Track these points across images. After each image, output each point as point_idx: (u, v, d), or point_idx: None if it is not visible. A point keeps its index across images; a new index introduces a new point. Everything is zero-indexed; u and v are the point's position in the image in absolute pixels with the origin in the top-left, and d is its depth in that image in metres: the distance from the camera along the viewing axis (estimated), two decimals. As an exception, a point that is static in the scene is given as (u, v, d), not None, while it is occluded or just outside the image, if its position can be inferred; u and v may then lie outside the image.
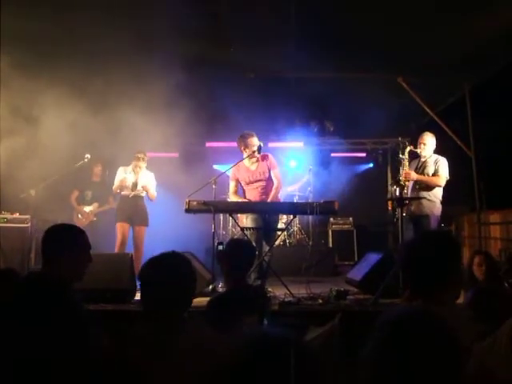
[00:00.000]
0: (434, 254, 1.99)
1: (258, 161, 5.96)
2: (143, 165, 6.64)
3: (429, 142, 5.86)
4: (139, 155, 6.61)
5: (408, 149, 5.84)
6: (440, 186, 5.72)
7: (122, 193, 6.59)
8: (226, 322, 2.66)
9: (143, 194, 6.63)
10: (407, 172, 5.66)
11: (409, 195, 5.63)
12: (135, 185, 6.53)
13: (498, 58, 6.34)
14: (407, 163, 5.78)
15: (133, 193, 6.53)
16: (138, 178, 6.58)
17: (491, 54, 6.16)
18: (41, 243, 2.40)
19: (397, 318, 1.23)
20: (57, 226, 2.55)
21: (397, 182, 5.60)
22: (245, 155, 5.86)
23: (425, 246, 2.09)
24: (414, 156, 5.96)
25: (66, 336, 1.96)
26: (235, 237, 8.83)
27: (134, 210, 6.53)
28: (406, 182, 5.62)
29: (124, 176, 6.56)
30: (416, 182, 5.73)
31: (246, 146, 5.83)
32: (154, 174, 6.86)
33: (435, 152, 5.91)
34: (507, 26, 5.43)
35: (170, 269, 2.04)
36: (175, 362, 1.84)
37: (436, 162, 5.78)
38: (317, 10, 5.68)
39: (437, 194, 5.73)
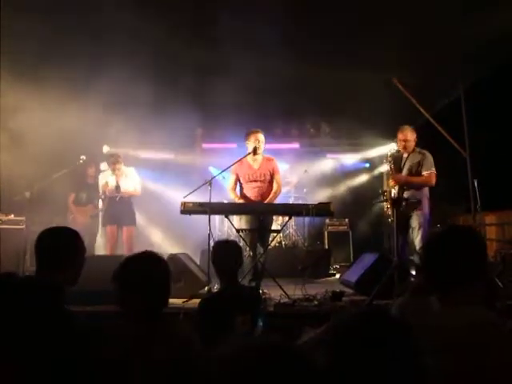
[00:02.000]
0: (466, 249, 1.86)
1: (261, 160, 5.97)
2: (119, 166, 6.70)
3: (410, 137, 5.59)
4: (111, 159, 6.76)
5: (390, 152, 5.76)
6: (432, 185, 5.53)
7: (109, 196, 6.69)
8: (217, 322, 2.66)
9: (130, 189, 6.71)
10: (395, 176, 5.50)
11: (397, 195, 5.44)
12: (118, 187, 6.60)
13: (494, 59, 6.35)
14: (392, 167, 5.58)
15: (119, 195, 6.59)
16: (119, 179, 6.65)
17: (486, 55, 6.17)
18: (34, 248, 2.35)
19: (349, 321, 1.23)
20: (49, 229, 2.48)
21: (386, 193, 5.50)
22: (250, 148, 5.89)
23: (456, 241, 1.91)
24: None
25: (54, 342, 1.96)
26: (230, 238, 8.84)
27: (121, 212, 6.63)
28: (396, 186, 5.46)
29: (106, 181, 6.69)
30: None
31: (258, 140, 5.89)
32: (133, 168, 6.99)
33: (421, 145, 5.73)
34: (502, 27, 5.43)
35: (145, 269, 2.09)
36: (154, 361, 1.87)
37: (422, 159, 5.53)
38: (314, 11, 5.69)
39: (425, 191, 5.57)
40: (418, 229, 5.40)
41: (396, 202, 5.22)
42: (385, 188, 5.69)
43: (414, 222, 5.45)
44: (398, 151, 5.75)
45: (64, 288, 2.28)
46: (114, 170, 6.69)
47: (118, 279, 2.06)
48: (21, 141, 6.78)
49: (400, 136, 5.64)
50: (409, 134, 5.60)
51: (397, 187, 5.47)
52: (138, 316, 2.04)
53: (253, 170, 5.95)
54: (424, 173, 5.50)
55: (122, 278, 2.06)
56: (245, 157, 5.94)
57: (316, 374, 0.97)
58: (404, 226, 5.43)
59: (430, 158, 5.56)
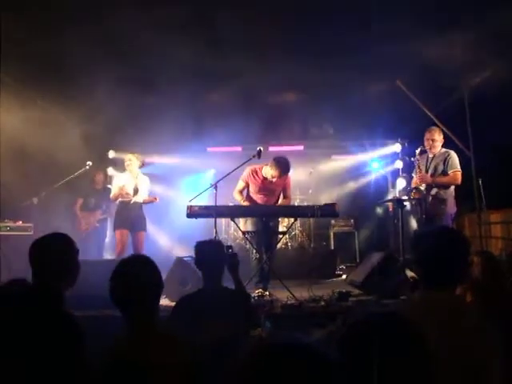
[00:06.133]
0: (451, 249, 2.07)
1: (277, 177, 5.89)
2: (135, 162, 6.57)
3: (437, 137, 5.73)
4: (129, 155, 6.60)
5: (418, 149, 5.77)
6: (458, 183, 5.61)
7: (121, 199, 6.52)
8: (187, 322, 2.68)
9: (141, 200, 6.59)
10: (421, 175, 5.60)
11: (424, 193, 5.57)
12: (136, 190, 6.48)
13: (497, 59, 6.35)
14: (420, 165, 5.68)
15: (133, 199, 6.47)
16: (138, 183, 6.55)
17: (490, 54, 6.17)
18: (28, 256, 2.40)
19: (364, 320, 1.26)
20: (43, 237, 2.54)
21: (414, 189, 5.55)
22: (266, 173, 5.80)
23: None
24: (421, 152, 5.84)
25: (58, 349, 2.01)
26: (236, 241, 8.88)
27: (134, 216, 6.44)
28: (422, 185, 5.56)
29: (123, 184, 6.49)
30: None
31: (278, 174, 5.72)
32: (148, 178, 6.82)
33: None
34: (505, 28, 5.45)
35: (135, 272, 2.20)
36: (151, 364, 1.92)
37: (447, 159, 5.63)
38: (315, 13, 5.73)
39: (450, 190, 5.65)
40: None
41: (400, 203, 5.27)
42: (412, 185, 5.72)
43: (438, 220, 5.52)
44: (425, 151, 5.81)
45: (62, 292, 2.34)
46: (128, 166, 6.55)
47: (111, 283, 2.19)
48: (26, 147, 6.84)
49: (427, 135, 5.77)
50: (436, 135, 5.75)
51: (424, 186, 5.59)
52: (133, 318, 2.12)
53: (265, 183, 5.89)
54: (450, 172, 5.61)
55: (114, 282, 2.19)
56: (260, 167, 5.91)
57: (334, 370, 1.01)
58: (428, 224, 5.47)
59: (454, 157, 5.68)
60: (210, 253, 3.22)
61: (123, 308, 2.15)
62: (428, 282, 2.07)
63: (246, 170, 6.00)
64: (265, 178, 5.87)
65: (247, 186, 6.02)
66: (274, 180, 5.78)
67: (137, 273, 2.18)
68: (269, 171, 5.73)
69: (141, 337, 2.07)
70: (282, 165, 5.67)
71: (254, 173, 5.93)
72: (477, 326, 1.86)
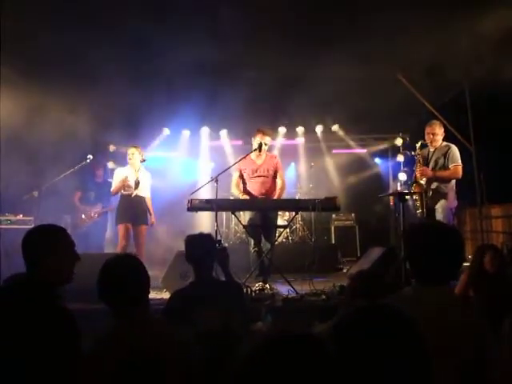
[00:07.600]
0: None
1: (265, 157, 5.99)
2: (137, 156, 6.51)
3: (438, 131, 5.67)
4: (132, 149, 6.56)
5: (419, 143, 5.71)
6: (459, 177, 5.58)
7: (124, 192, 6.48)
8: (182, 315, 2.70)
9: (144, 194, 6.56)
10: (422, 169, 5.54)
11: (425, 187, 5.52)
12: (137, 183, 6.43)
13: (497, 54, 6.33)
14: (421, 159, 5.64)
15: (135, 192, 6.42)
16: (139, 176, 6.50)
17: (490, 50, 6.16)
18: (21, 248, 2.35)
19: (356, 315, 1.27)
20: (35, 228, 2.51)
21: (415, 183, 5.54)
22: (255, 145, 5.93)
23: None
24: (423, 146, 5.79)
25: (50, 341, 2.01)
26: (237, 235, 8.89)
27: (137, 210, 6.41)
28: (423, 179, 5.52)
29: (125, 175, 6.43)
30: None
31: (264, 138, 5.95)
32: (150, 174, 6.78)
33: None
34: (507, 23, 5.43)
35: (126, 270, 2.24)
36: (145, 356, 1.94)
37: (447, 152, 5.58)
38: (314, 9, 5.71)
39: (451, 184, 5.61)
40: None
41: (401, 197, 5.26)
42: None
43: (439, 215, 5.50)
44: (425, 145, 5.77)
45: (58, 286, 2.31)
46: (130, 159, 6.54)
47: (99, 279, 2.21)
48: (26, 141, 6.83)
49: (428, 129, 5.71)
50: (437, 129, 5.69)
51: (424, 180, 5.55)
52: (123, 313, 2.17)
53: (256, 165, 5.98)
54: (450, 166, 5.56)
55: (101, 278, 2.22)
56: (249, 154, 5.98)
57: (334, 360, 1.01)
58: (429, 219, 5.43)
59: (455, 150, 5.63)
60: (199, 246, 3.24)
61: (111, 305, 2.20)
62: (419, 278, 2.06)
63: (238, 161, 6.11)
64: (254, 161, 6.01)
65: (241, 174, 6.05)
66: (261, 150, 5.91)
67: (119, 271, 2.23)
68: (254, 146, 5.94)
69: (132, 330, 2.08)
70: (261, 128, 6.03)
71: (245, 159, 6.02)
72: (467, 323, 1.85)
